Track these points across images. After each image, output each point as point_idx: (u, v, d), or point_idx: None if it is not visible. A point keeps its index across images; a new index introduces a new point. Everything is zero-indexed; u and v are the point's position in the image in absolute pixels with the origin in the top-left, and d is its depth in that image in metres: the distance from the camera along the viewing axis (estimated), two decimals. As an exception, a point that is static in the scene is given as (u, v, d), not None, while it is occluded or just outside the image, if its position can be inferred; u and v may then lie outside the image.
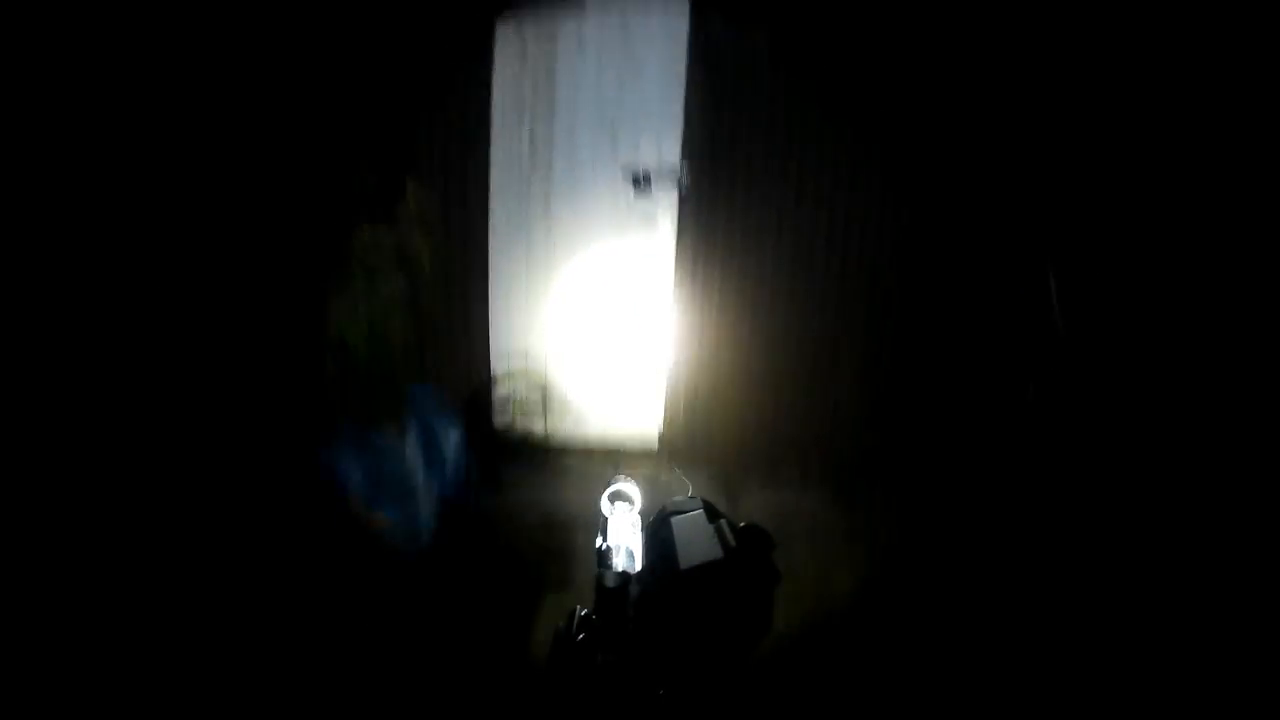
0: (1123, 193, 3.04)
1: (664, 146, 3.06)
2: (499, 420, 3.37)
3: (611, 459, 3.39)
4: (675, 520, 1.18)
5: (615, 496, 1.20)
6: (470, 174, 3.03)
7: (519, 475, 3.23)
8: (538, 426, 3.38)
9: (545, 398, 3.35)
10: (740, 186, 3.13)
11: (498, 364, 3.32)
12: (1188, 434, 2.73)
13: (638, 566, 1.12)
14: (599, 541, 1.15)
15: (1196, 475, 2.60)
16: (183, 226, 2.64)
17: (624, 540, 1.15)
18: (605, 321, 3.27)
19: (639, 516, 1.19)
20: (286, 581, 2.21)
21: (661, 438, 3.40)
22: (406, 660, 1.96)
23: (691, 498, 1.23)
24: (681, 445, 3.43)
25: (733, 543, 1.13)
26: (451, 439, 2.97)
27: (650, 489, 1.25)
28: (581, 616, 1.14)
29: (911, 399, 3.35)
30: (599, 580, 1.09)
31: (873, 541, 2.76)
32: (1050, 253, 3.01)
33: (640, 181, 3.08)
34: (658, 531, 1.19)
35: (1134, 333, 2.94)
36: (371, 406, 2.63)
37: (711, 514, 1.19)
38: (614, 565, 1.10)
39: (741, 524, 1.18)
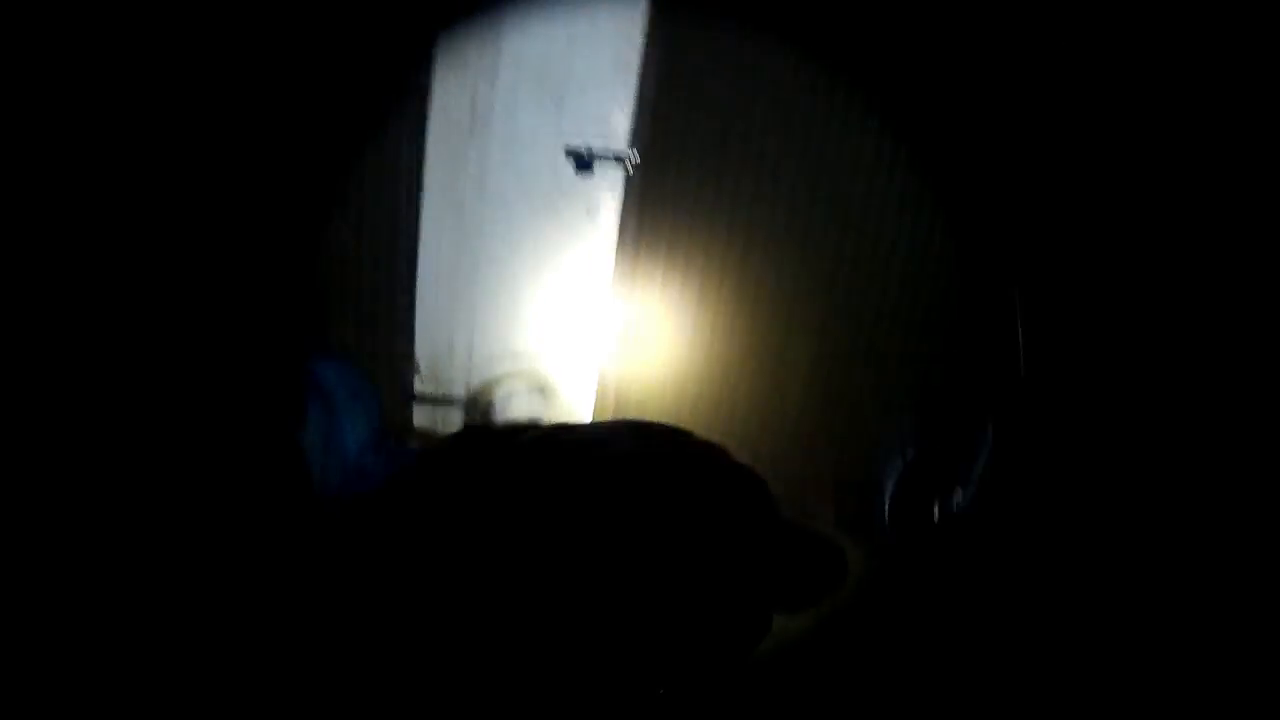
0: (1094, 212, 2.99)
1: (612, 127, 2.98)
2: (419, 414, 3.25)
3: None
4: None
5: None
6: (405, 146, 2.89)
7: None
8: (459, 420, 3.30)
9: (472, 391, 3.28)
10: (693, 179, 3.08)
11: (422, 352, 3.20)
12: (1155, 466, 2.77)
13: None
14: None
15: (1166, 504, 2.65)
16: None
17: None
18: (539, 309, 3.20)
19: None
20: (274, 572, 2.10)
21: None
22: (406, 660, 1.90)
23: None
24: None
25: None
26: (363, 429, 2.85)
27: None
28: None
29: (871, 416, 3.27)
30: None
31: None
32: (1018, 275, 2.90)
33: (584, 162, 2.99)
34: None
35: (1101, 363, 2.91)
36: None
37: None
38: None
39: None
